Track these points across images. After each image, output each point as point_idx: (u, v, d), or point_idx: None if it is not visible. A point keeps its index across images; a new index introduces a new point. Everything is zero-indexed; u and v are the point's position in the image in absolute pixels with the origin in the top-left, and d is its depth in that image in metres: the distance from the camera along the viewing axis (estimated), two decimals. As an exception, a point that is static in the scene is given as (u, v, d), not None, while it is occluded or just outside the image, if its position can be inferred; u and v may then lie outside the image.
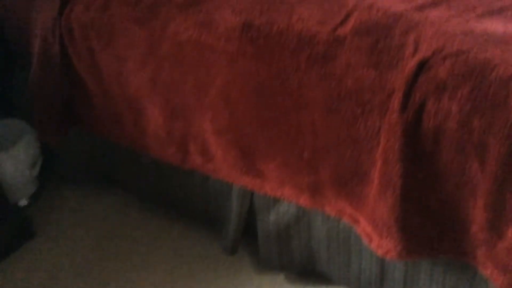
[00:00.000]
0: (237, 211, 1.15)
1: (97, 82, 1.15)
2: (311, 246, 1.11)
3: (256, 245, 1.18)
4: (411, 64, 0.80)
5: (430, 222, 0.89)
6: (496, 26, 0.83)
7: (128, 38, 1.06)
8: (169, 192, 1.27)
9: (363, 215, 0.96)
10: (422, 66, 0.80)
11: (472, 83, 0.77)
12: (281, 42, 0.90)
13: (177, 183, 1.24)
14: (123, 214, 1.40)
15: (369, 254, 1.03)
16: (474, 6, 0.88)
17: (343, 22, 0.89)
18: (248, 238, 1.23)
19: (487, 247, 0.86)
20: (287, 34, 0.90)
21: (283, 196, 1.05)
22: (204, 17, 0.98)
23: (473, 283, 0.95)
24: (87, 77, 1.15)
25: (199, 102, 1.03)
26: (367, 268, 1.05)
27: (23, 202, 1.43)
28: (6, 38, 1.34)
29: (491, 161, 0.78)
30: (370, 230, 0.94)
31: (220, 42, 0.95)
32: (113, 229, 1.36)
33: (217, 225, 1.25)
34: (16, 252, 1.31)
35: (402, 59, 0.82)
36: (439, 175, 0.84)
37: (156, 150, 1.16)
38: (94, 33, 1.10)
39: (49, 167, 1.45)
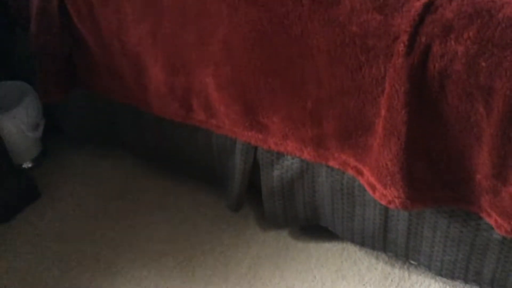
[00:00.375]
0: (241, 168, 1.15)
1: (96, 38, 1.13)
2: (315, 200, 1.11)
3: (260, 201, 1.18)
4: (417, 6, 0.78)
5: (434, 170, 0.89)
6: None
7: (128, -9, 1.04)
8: (173, 151, 1.27)
9: (367, 166, 0.95)
10: (428, 8, 0.78)
11: (479, 23, 0.75)
12: (283, -12, 0.88)
13: (180, 141, 1.23)
14: (127, 174, 1.41)
15: (372, 207, 1.04)
16: None
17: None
18: (252, 195, 1.23)
19: (492, 195, 0.86)
20: (290, -21, 0.88)
21: (286, 150, 1.05)
22: (203, -35, 0.96)
23: (477, 233, 0.95)
24: (87, 33, 1.14)
25: (200, 55, 1.02)
26: (370, 221, 1.06)
27: (27, 164, 1.43)
28: (4, -2, 1.32)
29: (497, 104, 0.77)
30: (373, 180, 0.94)
31: (221, -10, 0.93)
32: (117, 189, 1.37)
33: (221, 182, 1.25)
34: (22, 214, 1.32)
35: (408, 1, 0.80)
36: (444, 121, 0.83)
37: (159, 106, 1.15)
38: (92, -13, 1.08)
39: (52, 129, 1.45)
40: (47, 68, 1.21)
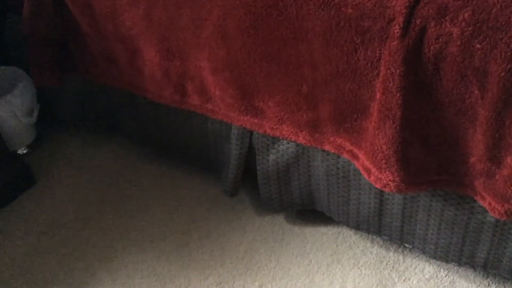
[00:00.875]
0: (237, 153, 1.15)
1: (90, 22, 1.12)
2: (310, 184, 1.12)
3: (256, 186, 1.18)
4: (412, -13, 0.78)
5: (429, 153, 0.89)
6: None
7: (121, -26, 1.03)
8: (168, 136, 1.27)
9: (362, 150, 0.96)
10: (423, -11, 0.78)
11: (474, 5, 0.75)
12: (278, -30, 0.87)
13: (176, 126, 1.23)
14: (123, 160, 1.41)
15: (367, 190, 1.04)
16: None
17: (342, -51, 0.86)
18: (248, 180, 1.23)
19: (486, 177, 0.86)
20: (285, -39, 0.87)
21: (282, 135, 1.05)
22: None
23: (471, 216, 0.96)
24: (80, 17, 1.13)
25: (195, 39, 1.01)
26: (365, 205, 1.06)
27: (22, 151, 1.43)
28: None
29: (491, 86, 0.77)
30: (369, 164, 0.94)
31: (216, -27, 0.92)
32: (113, 174, 1.37)
33: (217, 167, 1.25)
34: (17, 200, 1.32)
35: (403, -17, 0.79)
36: (439, 104, 0.83)
37: (154, 91, 1.15)
38: (85, -30, 1.07)
39: (47, 115, 1.44)
40: (40, 53, 1.20)
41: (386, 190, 0.93)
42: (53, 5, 1.14)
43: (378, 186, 0.94)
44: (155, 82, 1.13)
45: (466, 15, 0.76)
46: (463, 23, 0.76)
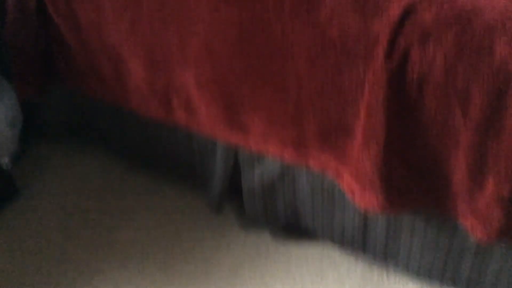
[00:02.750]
0: (222, 168, 1.14)
1: (75, 33, 1.11)
2: (295, 201, 1.11)
3: (241, 202, 1.18)
4: (397, 10, 0.78)
5: (412, 174, 0.89)
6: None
7: (107, -13, 1.02)
8: (153, 150, 1.26)
9: (347, 169, 0.95)
10: (407, 12, 0.78)
11: (457, 29, 0.76)
12: (264, -12, 0.87)
13: (161, 140, 1.22)
14: (107, 173, 1.39)
15: (352, 209, 1.04)
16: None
17: (327, -32, 0.86)
18: (233, 195, 1.22)
19: (468, 199, 0.87)
20: (270, -21, 0.87)
21: (267, 151, 1.04)
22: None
23: (454, 236, 0.96)
24: (65, 28, 1.12)
25: (181, 53, 1.01)
26: (350, 223, 1.06)
27: (5, 162, 1.41)
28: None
29: (474, 109, 0.77)
30: (353, 184, 0.94)
31: (202, -11, 0.92)
32: (97, 187, 1.35)
33: (202, 182, 1.24)
34: (0, 213, 1.30)
35: (388, 5, 0.80)
36: (423, 126, 0.83)
37: (139, 104, 1.14)
38: (71, -19, 1.06)
39: (31, 126, 1.42)
40: (23, 63, 1.19)
41: (370, 210, 0.93)
42: (37, 15, 1.13)
43: (362, 206, 0.94)
44: (140, 95, 1.12)
45: (449, 38, 0.76)
46: (447, 47, 0.76)
